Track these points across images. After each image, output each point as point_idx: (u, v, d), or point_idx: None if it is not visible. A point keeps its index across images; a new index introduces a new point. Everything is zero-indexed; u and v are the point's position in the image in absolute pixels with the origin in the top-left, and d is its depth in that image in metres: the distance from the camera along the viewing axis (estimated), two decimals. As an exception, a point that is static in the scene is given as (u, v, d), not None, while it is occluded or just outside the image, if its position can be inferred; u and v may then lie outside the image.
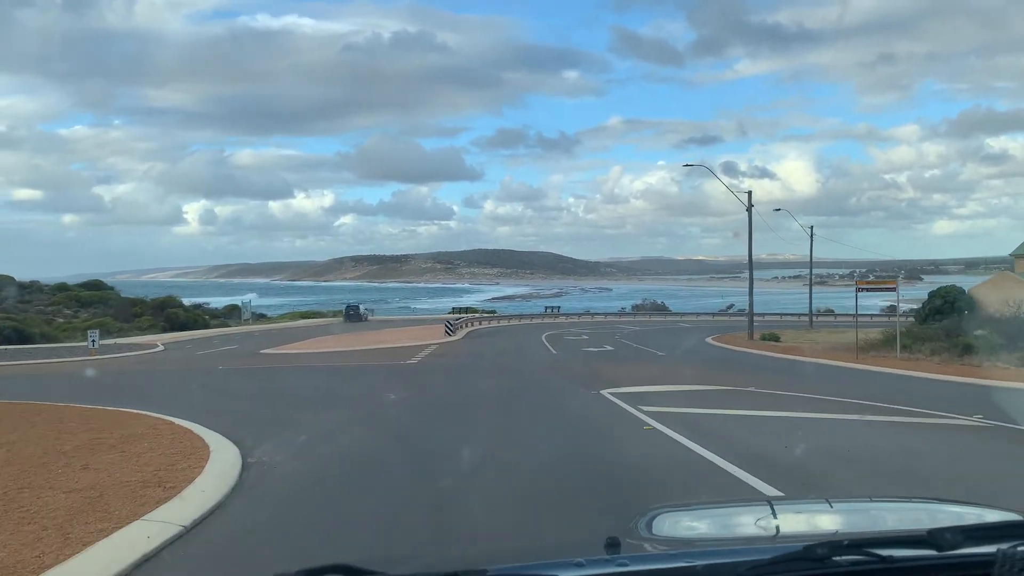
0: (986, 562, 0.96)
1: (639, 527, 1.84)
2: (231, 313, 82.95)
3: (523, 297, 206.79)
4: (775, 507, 2.31)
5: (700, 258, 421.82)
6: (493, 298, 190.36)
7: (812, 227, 56.78)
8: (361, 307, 70.42)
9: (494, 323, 53.42)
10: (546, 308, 78.78)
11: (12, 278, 79.59)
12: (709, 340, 40.07)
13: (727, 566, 1.12)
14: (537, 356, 30.18)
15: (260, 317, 76.19)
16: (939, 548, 1.07)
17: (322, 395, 17.76)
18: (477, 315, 61.93)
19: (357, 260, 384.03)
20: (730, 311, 77.68)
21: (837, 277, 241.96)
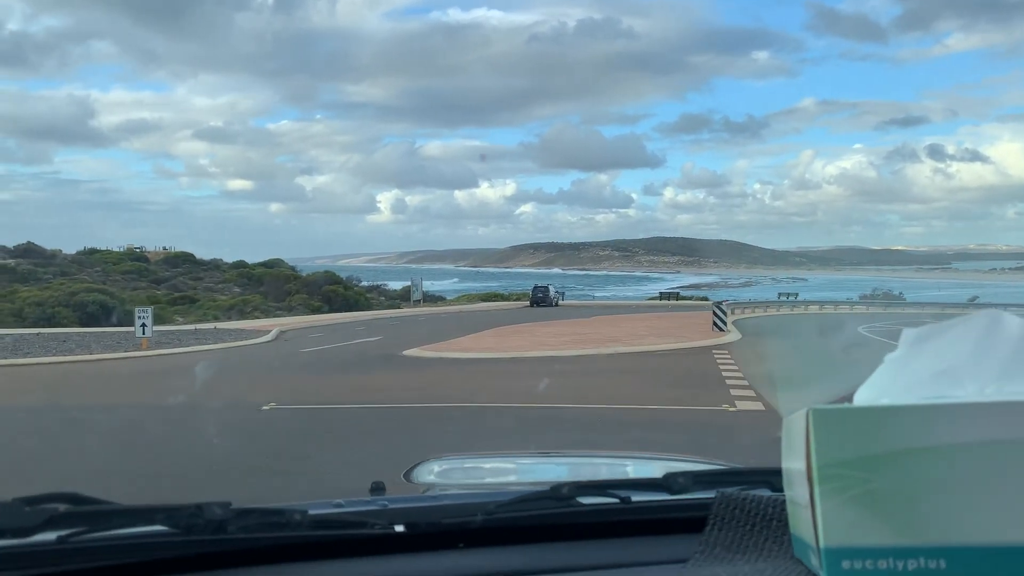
0: (709, 503, 1.02)
1: (411, 474, 1.88)
2: (403, 295, 72.72)
3: (709, 286, 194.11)
4: (541, 459, 2.45)
5: (899, 248, 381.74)
6: (679, 287, 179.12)
7: None
8: (551, 289, 56.49)
9: (747, 312, 38.12)
10: (779, 295, 62.02)
11: (191, 254, 73.44)
12: None
13: (476, 505, 1.15)
14: None
15: (436, 299, 64.66)
16: (671, 491, 1.16)
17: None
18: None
19: (536, 247, 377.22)
20: (975, 301, 58.42)
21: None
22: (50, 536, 0.96)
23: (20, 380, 15.27)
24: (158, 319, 35.77)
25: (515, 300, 63.72)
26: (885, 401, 0.75)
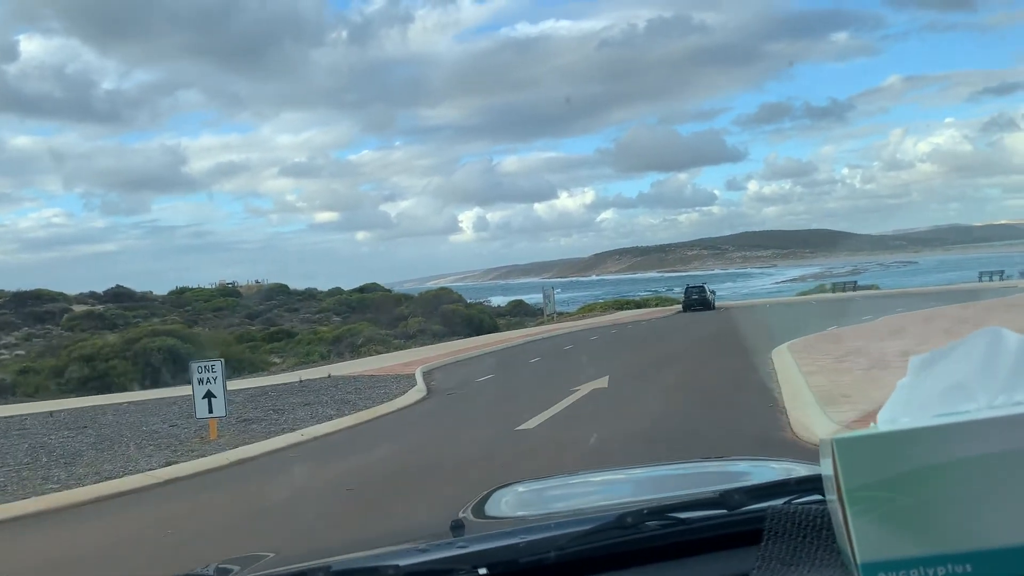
0: (764, 516, 1.05)
1: (484, 506, 1.84)
2: (516, 310, 63.51)
3: (814, 277, 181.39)
4: (606, 476, 2.39)
5: (1004, 222, 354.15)
6: (786, 280, 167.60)
7: None
8: (707, 289, 45.60)
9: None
10: (980, 275, 49.81)
11: (285, 285, 66.67)
12: None
13: (548, 540, 1.20)
14: None
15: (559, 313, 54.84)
16: (728, 507, 1.18)
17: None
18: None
19: (620, 253, 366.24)
20: None
21: None
22: None
23: None
24: (248, 366, 26.61)
25: (654, 306, 53.16)
26: (904, 422, 0.78)
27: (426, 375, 17.54)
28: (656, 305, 52.60)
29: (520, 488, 2.17)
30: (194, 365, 10.76)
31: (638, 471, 2.51)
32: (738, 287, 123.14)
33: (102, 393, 20.27)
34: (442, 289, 43.99)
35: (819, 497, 1.00)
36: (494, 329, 39.76)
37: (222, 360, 10.82)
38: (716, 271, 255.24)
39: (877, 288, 53.79)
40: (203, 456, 9.24)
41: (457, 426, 10.60)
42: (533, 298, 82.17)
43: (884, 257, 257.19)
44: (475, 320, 38.20)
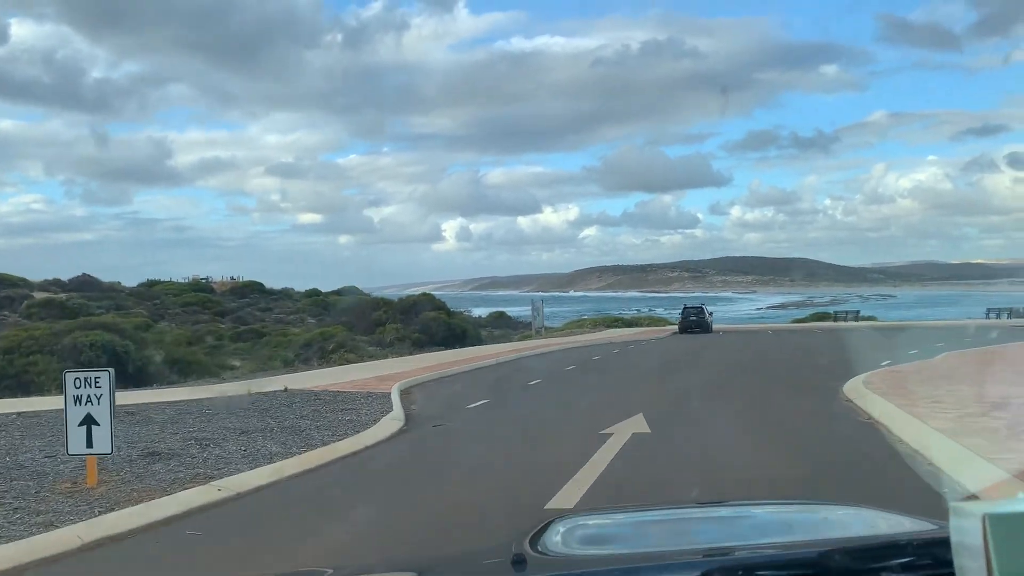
0: None
1: (545, 539, 1.68)
2: (498, 322, 60.47)
3: (795, 305, 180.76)
4: (681, 514, 2.18)
5: (980, 261, 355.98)
6: (769, 307, 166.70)
7: None
8: (706, 309, 42.47)
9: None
10: (988, 312, 47.20)
11: (260, 284, 64.84)
12: None
13: None
14: None
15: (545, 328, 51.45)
16: (832, 571, 1.09)
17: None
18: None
19: (601, 271, 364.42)
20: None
21: None
22: None
23: None
24: (198, 370, 22.96)
25: (646, 325, 50.02)
26: None
27: (404, 395, 14.09)
28: (648, 325, 49.42)
29: (581, 521, 1.99)
30: (69, 377, 7.24)
31: (712, 510, 2.26)
32: (721, 311, 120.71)
33: (13, 395, 16.62)
34: (424, 295, 40.40)
35: (946, 571, 0.81)
36: (478, 341, 36.32)
37: (111, 372, 7.31)
38: (697, 294, 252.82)
39: (876, 320, 50.98)
40: (51, 528, 5.74)
41: (451, 493, 7.14)
42: (514, 311, 78.86)
43: (863, 289, 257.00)
44: (458, 330, 34.76)
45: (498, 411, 12.49)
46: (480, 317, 62.92)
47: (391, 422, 10.87)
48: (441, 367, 19.94)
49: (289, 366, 23.04)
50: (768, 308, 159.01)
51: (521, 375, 17.91)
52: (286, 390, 14.79)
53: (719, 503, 2.49)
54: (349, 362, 23.91)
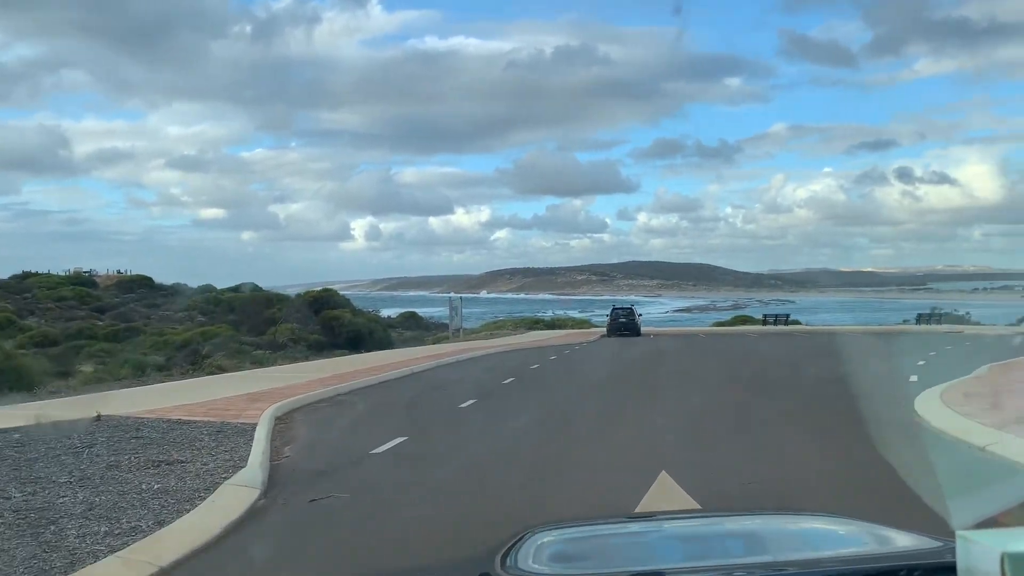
0: None
1: (517, 556, 1.59)
2: (409, 323, 55.91)
3: (700, 309, 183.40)
4: (654, 527, 2.07)
5: (869, 270, 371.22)
6: (675, 310, 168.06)
7: None
8: (635, 311, 38.81)
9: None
10: (919, 316, 45.26)
11: (149, 279, 59.09)
12: None
13: None
14: None
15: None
16: None
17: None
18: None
19: (512, 273, 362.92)
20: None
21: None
22: None
23: None
24: (10, 383, 17.25)
25: (572, 328, 46.02)
26: None
27: (279, 427, 9.28)
28: (572, 327, 45.47)
29: (558, 534, 1.87)
30: None
31: (697, 522, 2.15)
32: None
33: None
34: (326, 290, 35.10)
35: None
36: (388, 344, 31.42)
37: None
38: (604, 297, 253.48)
39: (801, 324, 48.53)
40: None
41: None
42: (426, 311, 73.89)
43: (763, 295, 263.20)
44: (364, 331, 29.78)
45: (422, 462, 7.81)
46: (390, 317, 58.18)
47: (236, 493, 6.06)
48: (340, 379, 15.06)
49: (140, 376, 17.64)
50: (675, 311, 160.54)
51: (447, 392, 13.27)
52: (99, 418, 9.70)
53: (708, 514, 2.33)
54: (223, 370, 18.71)
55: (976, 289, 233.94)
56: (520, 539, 1.66)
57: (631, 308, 39.26)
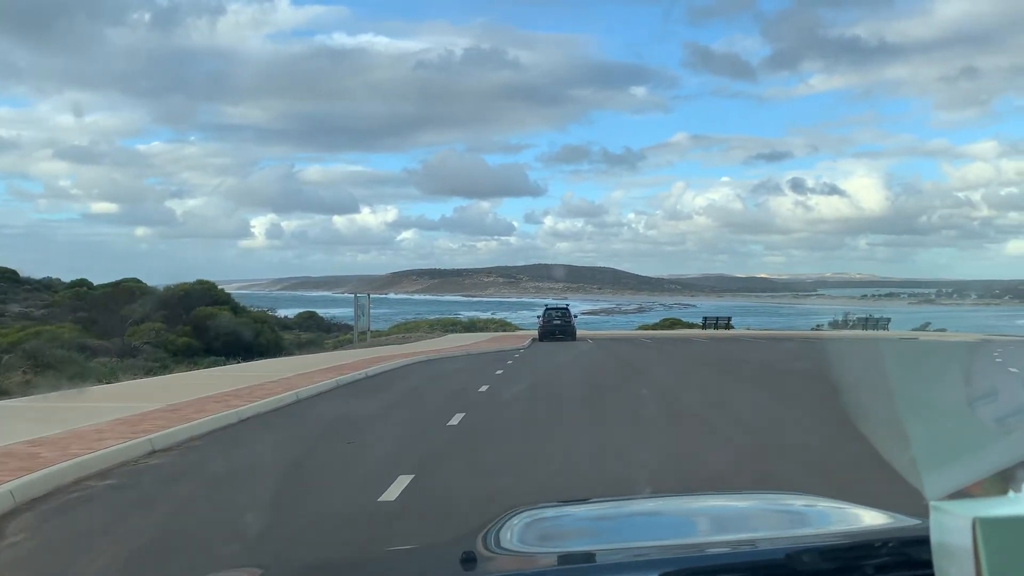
0: None
1: (500, 534, 1.57)
2: (307, 323, 50.51)
3: (606, 312, 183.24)
4: (647, 506, 2.08)
5: (763, 276, 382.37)
6: (583, 312, 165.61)
7: None
8: (570, 312, 34.12)
9: None
10: (855, 319, 42.47)
11: (15, 271, 52.33)
12: None
13: None
14: None
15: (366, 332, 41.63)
16: (801, 572, 1.03)
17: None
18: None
19: (418, 274, 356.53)
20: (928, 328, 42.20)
21: (974, 296, 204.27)
22: None
23: None
24: None
25: (494, 331, 41.04)
26: None
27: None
28: (496, 329, 40.50)
29: (542, 514, 1.89)
30: None
31: (682, 501, 2.16)
32: (519, 318, 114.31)
33: None
34: (200, 282, 28.67)
35: (922, 572, 0.77)
36: (277, 349, 25.58)
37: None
38: (511, 299, 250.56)
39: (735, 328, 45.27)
40: None
41: None
42: (328, 312, 67.43)
43: (664, 298, 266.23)
44: (246, 334, 23.80)
45: None
46: (287, 318, 52.10)
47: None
48: (189, 412, 9.47)
49: None
50: (583, 313, 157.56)
51: (359, 454, 7.88)
52: None
53: (686, 494, 2.47)
54: (21, 391, 12.59)
55: (864, 296, 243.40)
56: (503, 519, 1.65)
57: (566, 308, 34.58)
